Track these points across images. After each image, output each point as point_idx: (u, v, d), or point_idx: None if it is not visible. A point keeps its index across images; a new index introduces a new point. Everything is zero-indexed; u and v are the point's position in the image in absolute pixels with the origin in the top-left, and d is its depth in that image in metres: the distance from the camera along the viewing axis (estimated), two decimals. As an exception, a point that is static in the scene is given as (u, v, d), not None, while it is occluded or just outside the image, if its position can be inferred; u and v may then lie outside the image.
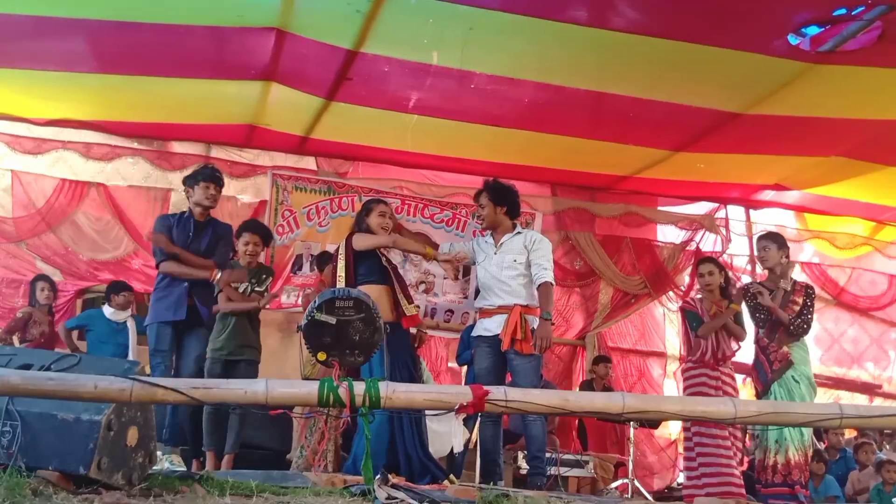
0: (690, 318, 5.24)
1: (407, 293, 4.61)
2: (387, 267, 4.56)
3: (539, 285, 4.55)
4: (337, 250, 4.68)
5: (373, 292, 4.02)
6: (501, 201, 4.74)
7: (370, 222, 4.65)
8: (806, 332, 5.11)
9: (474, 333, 4.79)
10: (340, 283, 4.41)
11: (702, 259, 5.76)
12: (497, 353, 4.56)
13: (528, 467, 4.76)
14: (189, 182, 5.05)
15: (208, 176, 5.02)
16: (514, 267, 4.63)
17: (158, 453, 4.50)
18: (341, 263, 4.51)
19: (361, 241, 4.54)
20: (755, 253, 5.49)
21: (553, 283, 4.60)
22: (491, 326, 4.61)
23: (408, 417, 4.24)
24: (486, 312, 4.69)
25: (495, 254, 4.70)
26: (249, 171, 7.32)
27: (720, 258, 7.85)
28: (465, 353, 6.30)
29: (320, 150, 7.34)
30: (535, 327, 4.50)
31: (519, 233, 4.74)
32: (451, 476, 4.32)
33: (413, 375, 4.54)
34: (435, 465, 4.37)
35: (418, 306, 4.84)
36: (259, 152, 7.38)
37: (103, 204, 6.95)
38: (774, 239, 5.30)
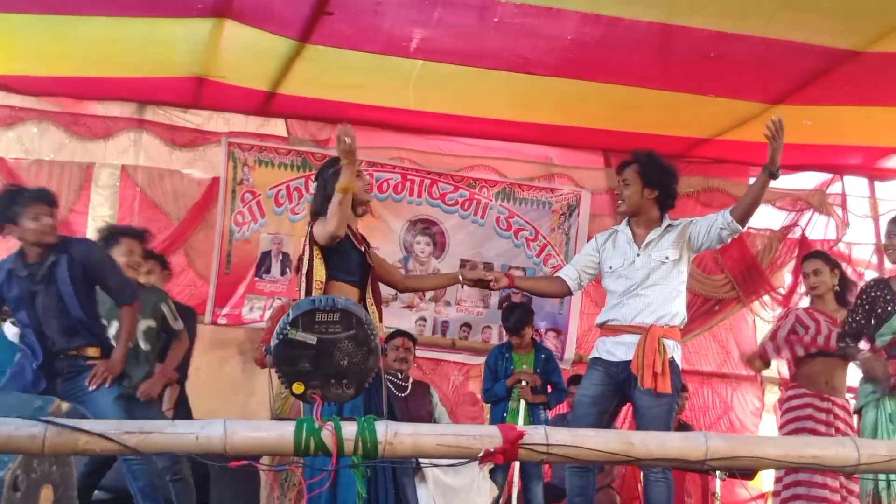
0: None
1: (380, 306, 4.53)
2: (370, 265, 4.46)
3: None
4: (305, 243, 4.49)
5: (340, 292, 3.96)
6: (654, 182, 4.69)
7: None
8: None
9: (593, 354, 4.74)
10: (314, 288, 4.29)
11: (807, 255, 5.80)
12: (613, 382, 4.56)
13: None
14: (8, 215, 4.57)
15: (35, 197, 4.60)
16: (665, 268, 4.60)
17: None
18: (307, 257, 4.36)
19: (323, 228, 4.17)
20: (882, 240, 5.44)
21: None
22: (616, 351, 4.57)
23: (383, 469, 4.13)
24: (610, 330, 4.65)
25: (639, 254, 4.65)
26: (197, 140, 7.37)
27: (835, 248, 7.82)
28: (496, 387, 6.28)
29: (292, 109, 7.37)
30: (673, 356, 4.49)
31: (671, 226, 4.69)
32: None
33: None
34: None
35: (384, 329, 4.74)
36: (210, 114, 7.43)
37: (1, 183, 6.97)
38: None
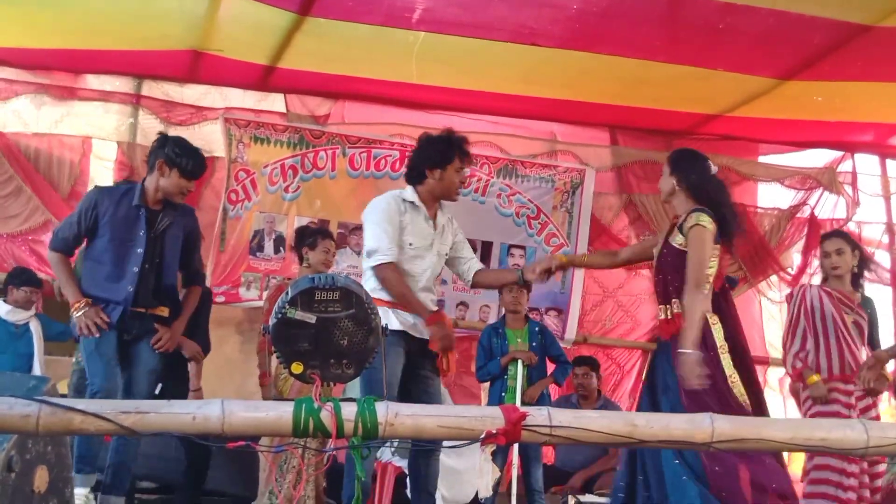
0: None
1: None
2: None
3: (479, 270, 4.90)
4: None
5: None
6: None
7: None
8: None
9: (396, 326, 4.55)
10: None
11: (828, 234, 5.88)
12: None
13: None
14: (167, 158, 4.64)
15: (197, 165, 4.70)
16: (441, 262, 4.82)
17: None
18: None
19: None
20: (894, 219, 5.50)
21: None
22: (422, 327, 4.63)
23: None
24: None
25: (434, 239, 4.75)
26: (194, 116, 7.35)
27: (844, 227, 7.81)
28: (490, 364, 6.27)
29: (291, 84, 7.35)
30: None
31: (451, 219, 4.90)
32: None
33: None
34: None
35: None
36: (207, 89, 7.41)
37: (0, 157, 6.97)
38: None
